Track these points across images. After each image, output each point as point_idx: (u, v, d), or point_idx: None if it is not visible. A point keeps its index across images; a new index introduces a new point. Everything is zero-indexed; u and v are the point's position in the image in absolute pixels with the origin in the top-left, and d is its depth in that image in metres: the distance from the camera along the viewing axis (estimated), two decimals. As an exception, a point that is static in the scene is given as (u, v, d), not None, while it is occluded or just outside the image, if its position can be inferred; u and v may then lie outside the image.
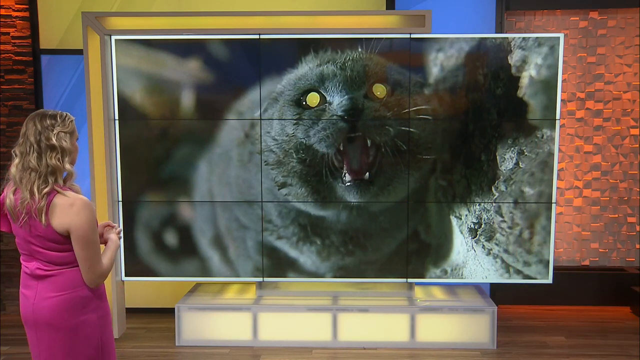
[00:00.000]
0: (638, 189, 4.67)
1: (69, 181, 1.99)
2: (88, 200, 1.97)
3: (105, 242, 2.15)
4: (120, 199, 3.88)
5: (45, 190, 1.90)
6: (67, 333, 2.00)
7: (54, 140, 1.91)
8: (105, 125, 3.78)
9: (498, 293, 4.40)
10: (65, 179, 1.98)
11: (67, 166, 1.95)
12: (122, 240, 2.35)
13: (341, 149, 3.73)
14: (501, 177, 3.74)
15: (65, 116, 1.99)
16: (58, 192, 1.92)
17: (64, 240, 1.96)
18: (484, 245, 3.81)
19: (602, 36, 4.60)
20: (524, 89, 3.70)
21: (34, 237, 1.97)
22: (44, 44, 4.40)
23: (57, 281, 1.99)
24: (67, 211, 1.92)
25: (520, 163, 3.73)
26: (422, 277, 3.90)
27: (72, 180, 2.01)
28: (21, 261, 2.09)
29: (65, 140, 1.94)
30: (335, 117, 3.68)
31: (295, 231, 3.85)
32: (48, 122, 1.93)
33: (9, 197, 1.95)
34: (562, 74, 3.87)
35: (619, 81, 4.62)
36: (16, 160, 1.94)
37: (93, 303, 2.04)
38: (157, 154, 3.86)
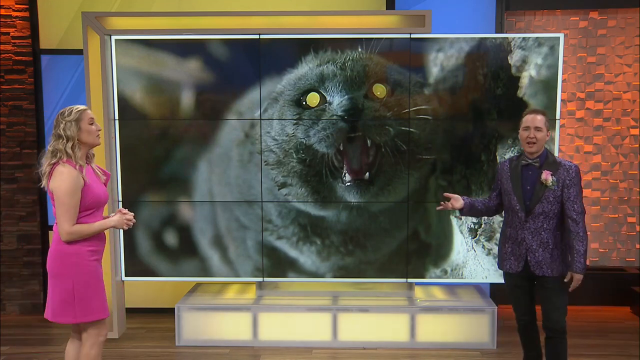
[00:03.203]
0: (638, 189, 4.67)
1: (91, 159, 2.63)
2: (75, 173, 2.48)
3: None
4: (120, 199, 3.88)
5: (52, 162, 2.51)
6: (52, 279, 2.56)
7: (60, 131, 2.50)
8: (105, 125, 3.78)
9: (498, 293, 4.39)
10: (88, 159, 2.60)
11: (69, 150, 2.49)
12: (129, 226, 2.69)
13: (341, 149, 3.73)
14: (501, 177, 3.74)
15: (73, 109, 2.53)
16: (60, 163, 2.49)
17: None
18: (484, 245, 3.81)
19: (602, 36, 4.60)
20: (524, 89, 3.70)
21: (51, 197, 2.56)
22: (44, 44, 4.41)
23: (55, 235, 2.57)
24: (56, 177, 2.48)
25: (520, 163, 3.73)
26: (422, 277, 3.90)
27: (92, 159, 2.63)
28: None
29: (70, 129, 2.50)
30: (335, 117, 3.69)
31: (295, 231, 3.85)
32: (59, 117, 2.53)
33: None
34: (562, 74, 3.87)
35: (619, 81, 4.62)
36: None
37: (70, 257, 2.53)
38: (157, 154, 3.87)
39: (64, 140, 2.50)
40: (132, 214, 2.68)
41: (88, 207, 2.55)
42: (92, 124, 2.56)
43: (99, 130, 2.61)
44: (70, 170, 2.48)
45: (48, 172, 2.51)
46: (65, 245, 2.53)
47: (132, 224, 2.66)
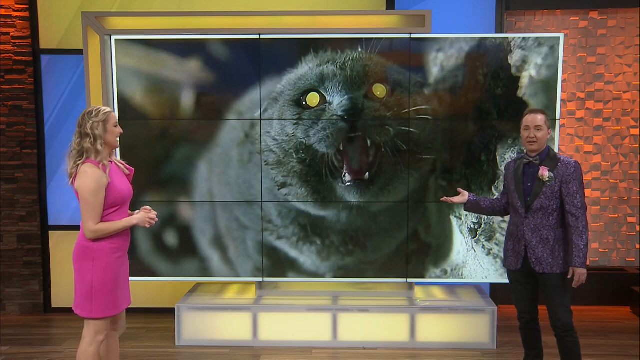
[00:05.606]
0: (638, 189, 4.67)
1: (111, 156, 2.67)
2: (99, 173, 2.52)
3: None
4: (120, 199, 3.88)
5: (79, 162, 2.55)
6: (75, 273, 2.63)
7: (87, 130, 2.55)
8: (105, 125, 3.78)
9: (498, 293, 4.40)
10: (108, 155, 2.64)
11: (99, 147, 2.55)
12: (153, 223, 2.72)
13: (341, 149, 3.73)
14: (501, 177, 3.74)
15: (100, 110, 2.61)
16: (86, 162, 2.54)
17: None
18: (484, 245, 3.81)
19: (602, 36, 4.60)
20: (524, 89, 3.70)
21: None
22: (44, 44, 4.41)
23: (80, 231, 2.62)
24: (80, 176, 2.53)
25: (520, 163, 3.73)
26: (422, 277, 3.90)
27: (110, 157, 2.65)
28: None
29: (97, 129, 2.56)
30: (335, 117, 3.69)
31: (295, 231, 3.85)
32: (86, 116, 2.58)
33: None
34: (562, 74, 3.87)
35: (619, 81, 4.63)
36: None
37: (92, 253, 2.58)
38: (157, 154, 3.87)
39: (92, 139, 2.55)
40: (155, 212, 2.70)
41: (112, 204, 2.60)
42: (116, 126, 2.66)
43: (121, 133, 2.69)
44: (94, 170, 2.53)
45: (75, 172, 2.56)
46: (88, 241, 2.58)
47: (154, 222, 2.69)
